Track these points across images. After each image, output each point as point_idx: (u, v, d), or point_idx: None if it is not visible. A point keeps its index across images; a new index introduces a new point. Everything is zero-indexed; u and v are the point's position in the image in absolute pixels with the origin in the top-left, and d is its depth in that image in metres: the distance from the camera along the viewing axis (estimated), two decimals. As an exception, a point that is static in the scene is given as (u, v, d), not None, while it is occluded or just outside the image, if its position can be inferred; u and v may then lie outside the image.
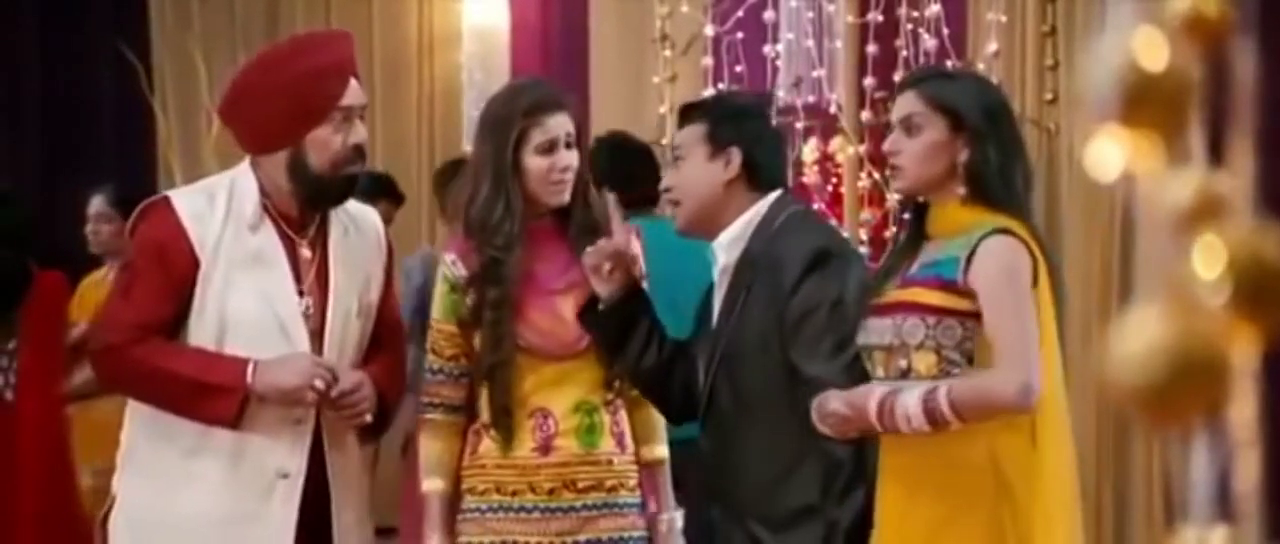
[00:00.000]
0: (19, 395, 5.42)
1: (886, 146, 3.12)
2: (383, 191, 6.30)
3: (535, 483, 3.44)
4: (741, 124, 3.39)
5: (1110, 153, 0.91)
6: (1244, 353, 0.89)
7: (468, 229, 3.46)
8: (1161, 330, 0.88)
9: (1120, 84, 0.89)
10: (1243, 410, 0.89)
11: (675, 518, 3.60)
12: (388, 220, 6.37)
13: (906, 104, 3.06)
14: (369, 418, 3.39)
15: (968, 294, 2.94)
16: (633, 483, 3.51)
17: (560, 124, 3.42)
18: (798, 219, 3.41)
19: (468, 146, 7.31)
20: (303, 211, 3.39)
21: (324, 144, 3.31)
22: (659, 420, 3.59)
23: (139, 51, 7.28)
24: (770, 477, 3.27)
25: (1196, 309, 0.88)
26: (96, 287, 6.11)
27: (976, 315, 2.94)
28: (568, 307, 3.44)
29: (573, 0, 7.14)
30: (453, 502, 3.50)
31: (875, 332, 3.03)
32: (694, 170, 3.35)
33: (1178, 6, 0.92)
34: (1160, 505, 5.25)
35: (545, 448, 3.44)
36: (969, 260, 2.94)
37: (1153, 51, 0.90)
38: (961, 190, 3.00)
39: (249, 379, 3.22)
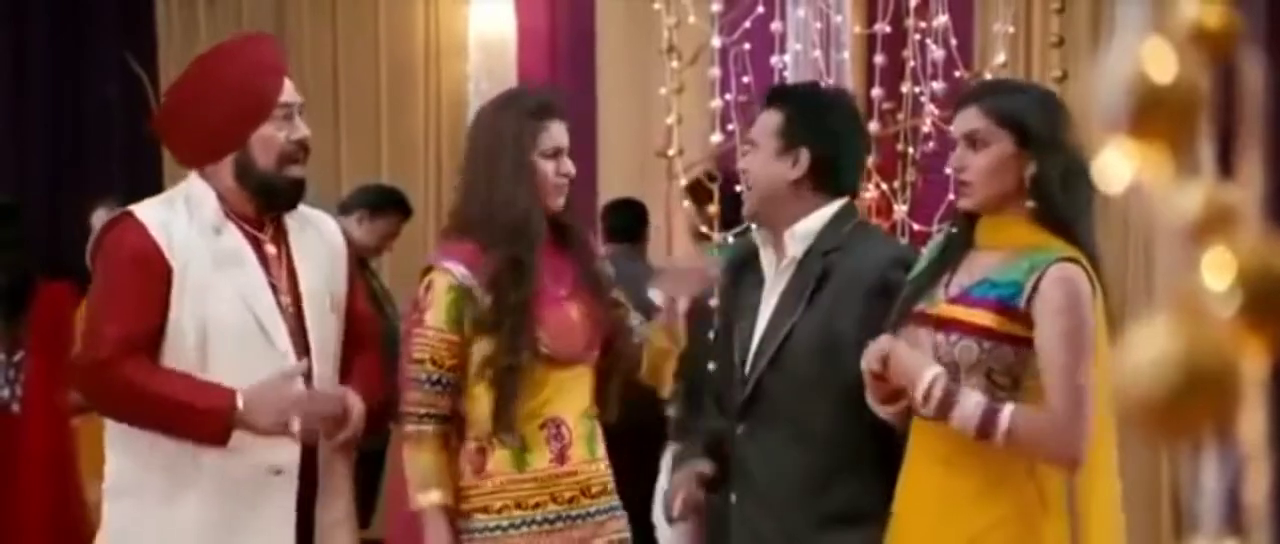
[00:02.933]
0: (25, 405, 5.43)
1: (952, 163, 3.08)
2: (391, 204, 6.30)
3: (556, 492, 3.43)
4: (820, 124, 3.36)
5: (1119, 164, 0.91)
6: (1254, 364, 0.89)
7: (489, 231, 3.40)
8: (1171, 341, 0.87)
9: (1129, 95, 0.89)
10: (1252, 421, 0.89)
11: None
12: (395, 233, 6.39)
13: (969, 119, 3.01)
14: (355, 435, 3.38)
15: (1026, 320, 2.90)
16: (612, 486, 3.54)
17: (562, 132, 3.47)
18: (868, 229, 3.47)
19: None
20: (259, 211, 3.40)
21: (268, 142, 3.33)
22: None
23: (145, 62, 7.29)
24: (821, 475, 3.26)
25: (1206, 320, 0.88)
26: (103, 297, 6.12)
27: (1031, 341, 2.91)
28: (574, 311, 3.44)
29: (580, 10, 7.15)
30: (453, 514, 3.48)
31: (924, 343, 2.99)
32: (761, 163, 3.36)
33: (1186, 17, 0.92)
34: (1168, 517, 5.23)
35: (561, 457, 3.43)
36: (1034, 287, 2.89)
37: (1161, 63, 0.90)
38: (1029, 204, 2.95)
39: (238, 404, 3.21)
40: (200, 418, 3.21)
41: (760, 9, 4.74)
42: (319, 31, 7.59)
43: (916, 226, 4.39)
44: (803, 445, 3.28)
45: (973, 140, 2.99)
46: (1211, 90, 0.91)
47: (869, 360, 3.00)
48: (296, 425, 3.24)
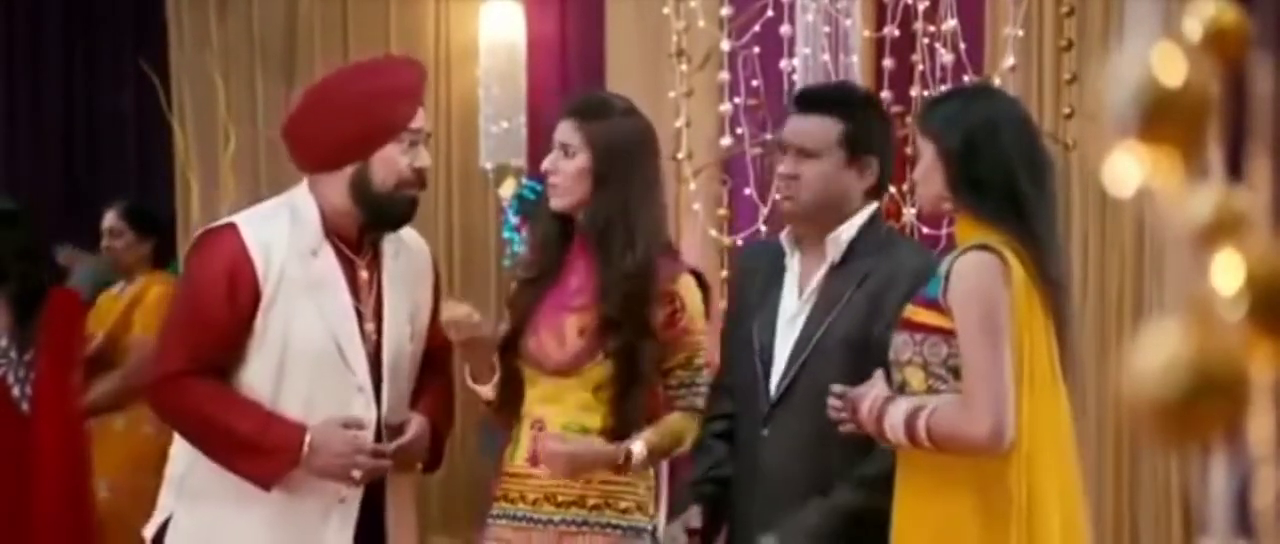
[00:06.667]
0: (35, 408, 5.43)
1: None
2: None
3: (524, 492, 3.48)
4: (882, 132, 3.43)
5: (1128, 168, 0.91)
6: (1263, 368, 0.89)
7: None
8: (1181, 345, 0.87)
9: (1139, 99, 0.89)
10: (1261, 426, 0.89)
11: (638, 447, 3.42)
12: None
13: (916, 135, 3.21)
14: (420, 465, 3.47)
15: (947, 312, 2.99)
16: (624, 505, 3.46)
17: (558, 131, 3.49)
18: (897, 235, 3.53)
19: (485, 162, 7.33)
20: (361, 233, 3.40)
21: (390, 163, 3.33)
22: (678, 430, 3.51)
23: (158, 68, 7.31)
24: (838, 464, 3.28)
25: (1215, 324, 0.88)
26: (114, 301, 6.13)
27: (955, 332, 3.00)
28: (572, 325, 3.44)
29: (590, 16, 7.15)
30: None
31: (891, 347, 3.10)
32: (829, 172, 3.34)
33: (1196, 21, 0.92)
34: (1178, 520, 5.23)
35: (534, 459, 3.47)
36: (947, 279, 3.00)
37: (1171, 67, 0.90)
38: (951, 204, 3.09)
39: (304, 451, 3.25)
40: (263, 458, 3.25)
41: (769, 13, 4.74)
42: (330, 38, 7.59)
43: (925, 230, 4.39)
44: (824, 448, 3.29)
45: (915, 152, 3.17)
46: (1221, 95, 0.91)
47: (835, 412, 3.11)
48: (358, 475, 3.29)
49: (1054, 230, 3.13)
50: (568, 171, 3.44)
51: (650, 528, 3.52)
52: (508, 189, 6.95)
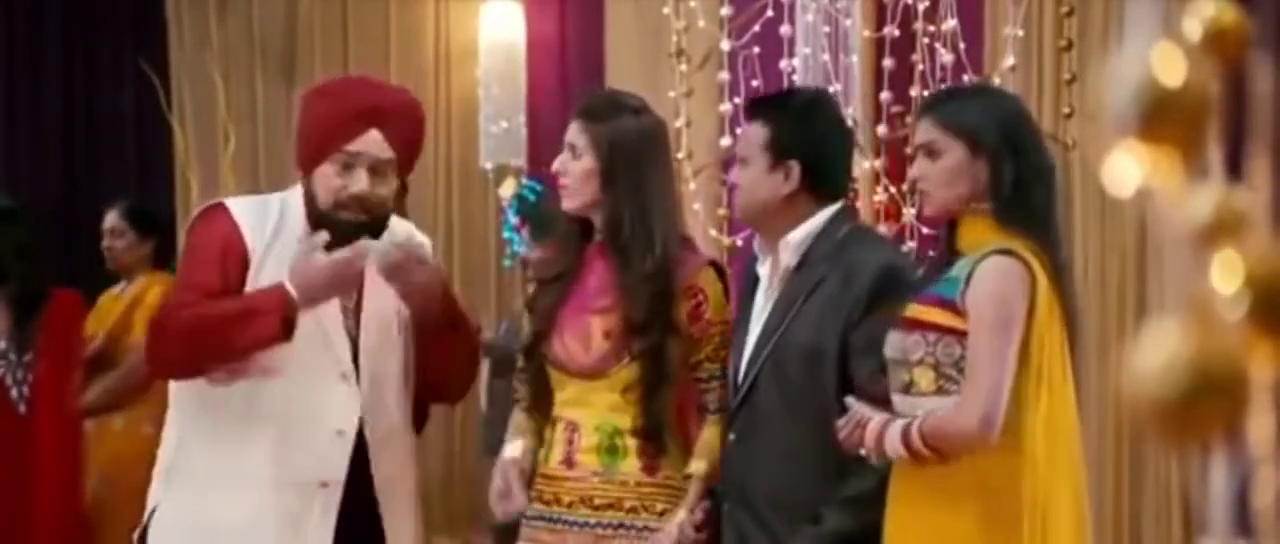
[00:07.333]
0: (33, 408, 5.44)
1: (911, 174, 3.19)
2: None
3: (559, 494, 3.48)
4: (805, 132, 3.37)
5: (1128, 168, 0.91)
6: (1263, 368, 0.89)
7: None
8: (1181, 345, 0.87)
9: (1139, 99, 0.89)
10: (1261, 426, 0.89)
11: (679, 522, 3.44)
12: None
13: (925, 130, 3.12)
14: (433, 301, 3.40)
15: (965, 314, 2.98)
16: (661, 508, 3.44)
17: (568, 131, 3.49)
18: (861, 234, 3.45)
19: (485, 162, 7.34)
20: None
21: (325, 181, 3.37)
22: (716, 443, 3.49)
23: (158, 68, 7.32)
24: (808, 487, 3.26)
25: (1215, 324, 0.88)
26: (114, 301, 6.13)
27: None
28: (597, 328, 3.44)
29: (590, 15, 7.15)
30: (522, 468, 3.52)
31: (891, 345, 3.08)
32: (756, 177, 3.36)
33: (1196, 21, 0.92)
34: (1178, 520, 5.23)
35: (569, 461, 3.47)
36: (968, 281, 2.98)
37: (1171, 67, 0.90)
38: (984, 207, 3.04)
39: (294, 291, 3.25)
40: (262, 317, 3.25)
41: (769, 13, 4.74)
42: (330, 38, 7.60)
43: (925, 230, 4.39)
44: (789, 457, 3.28)
45: (929, 150, 3.10)
46: (1221, 95, 0.91)
47: (843, 437, 3.09)
48: (362, 263, 3.29)
49: (1059, 229, 3.14)
50: (575, 172, 3.45)
51: None
52: (507, 189, 6.95)
